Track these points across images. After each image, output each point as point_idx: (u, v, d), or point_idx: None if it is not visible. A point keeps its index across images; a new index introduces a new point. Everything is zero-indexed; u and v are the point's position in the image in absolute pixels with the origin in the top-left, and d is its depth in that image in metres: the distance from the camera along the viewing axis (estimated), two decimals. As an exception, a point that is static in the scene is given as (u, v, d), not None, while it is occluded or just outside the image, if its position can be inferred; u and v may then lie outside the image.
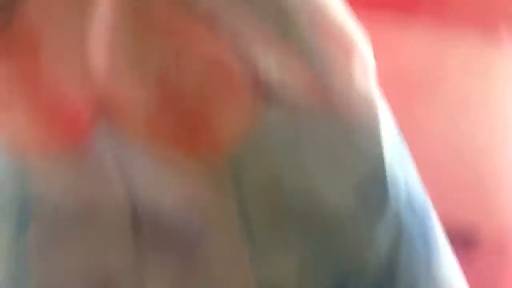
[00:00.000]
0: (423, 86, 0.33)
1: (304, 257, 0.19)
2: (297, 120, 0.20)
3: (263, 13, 0.20)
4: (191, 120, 0.19)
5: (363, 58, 0.21)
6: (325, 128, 0.20)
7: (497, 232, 0.32)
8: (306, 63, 0.20)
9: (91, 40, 0.19)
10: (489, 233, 0.32)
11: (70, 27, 0.19)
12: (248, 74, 0.19)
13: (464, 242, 0.31)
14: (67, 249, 0.19)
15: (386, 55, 0.31)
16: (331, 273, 0.19)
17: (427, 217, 0.23)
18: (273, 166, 0.19)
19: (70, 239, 0.19)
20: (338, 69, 0.20)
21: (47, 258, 0.19)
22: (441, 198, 0.30)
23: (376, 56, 0.22)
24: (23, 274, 0.19)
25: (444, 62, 0.33)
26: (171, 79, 0.19)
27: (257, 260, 0.19)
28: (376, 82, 0.22)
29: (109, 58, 0.19)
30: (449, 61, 0.33)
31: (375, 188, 0.21)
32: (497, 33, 0.33)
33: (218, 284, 0.19)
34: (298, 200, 0.19)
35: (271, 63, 0.20)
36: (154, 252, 0.18)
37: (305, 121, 0.20)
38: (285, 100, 0.20)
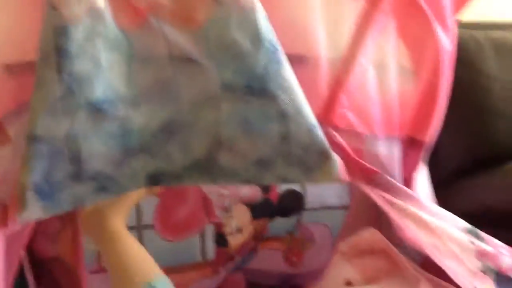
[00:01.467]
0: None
1: (233, 69, 0.51)
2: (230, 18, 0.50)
3: None
4: (186, 13, 0.50)
5: None
6: (235, 21, 0.50)
7: (315, 55, 0.55)
8: None
9: None
10: (312, 56, 0.55)
11: None
12: None
13: (296, 62, 0.53)
14: (143, 69, 0.51)
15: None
16: (244, 79, 0.51)
17: (277, 46, 0.50)
18: (222, 35, 0.50)
19: (143, 62, 0.51)
20: None
21: (139, 73, 0.51)
22: (280, 36, 0.51)
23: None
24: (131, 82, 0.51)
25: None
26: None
27: (216, 68, 0.51)
28: None
29: None
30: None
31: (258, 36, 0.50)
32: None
33: (207, 79, 0.52)
34: (228, 45, 0.50)
35: None
36: (183, 66, 0.51)
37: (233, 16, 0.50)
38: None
